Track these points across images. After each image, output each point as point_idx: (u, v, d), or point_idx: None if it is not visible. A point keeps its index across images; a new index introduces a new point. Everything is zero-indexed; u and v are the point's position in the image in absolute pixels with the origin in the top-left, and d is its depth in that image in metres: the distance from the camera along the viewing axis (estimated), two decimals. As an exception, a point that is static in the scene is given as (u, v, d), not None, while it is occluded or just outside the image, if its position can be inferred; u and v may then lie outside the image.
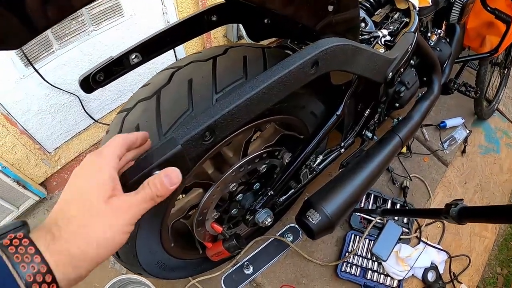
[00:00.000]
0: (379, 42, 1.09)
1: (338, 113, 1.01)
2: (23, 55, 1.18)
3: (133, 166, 0.52)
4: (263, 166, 1.04)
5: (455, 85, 1.57)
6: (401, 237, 1.54)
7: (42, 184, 1.57)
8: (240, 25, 1.21)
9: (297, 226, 1.54)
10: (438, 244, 1.61)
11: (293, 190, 1.13)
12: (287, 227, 1.54)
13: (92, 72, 0.75)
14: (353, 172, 1.04)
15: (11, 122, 1.32)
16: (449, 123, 1.90)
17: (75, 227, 0.40)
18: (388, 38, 1.10)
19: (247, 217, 1.06)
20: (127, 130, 0.74)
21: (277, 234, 1.51)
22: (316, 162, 1.11)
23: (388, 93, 1.24)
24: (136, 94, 0.81)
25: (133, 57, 0.78)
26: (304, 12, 0.72)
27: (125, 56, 0.76)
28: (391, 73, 1.02)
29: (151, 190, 0.45)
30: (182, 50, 1.66)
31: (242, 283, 1.42)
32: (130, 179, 0.50)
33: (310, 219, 0.94)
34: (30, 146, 1.42)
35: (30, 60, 1.20)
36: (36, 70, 1.23)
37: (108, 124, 1.60)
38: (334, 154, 1.19)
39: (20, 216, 1.58)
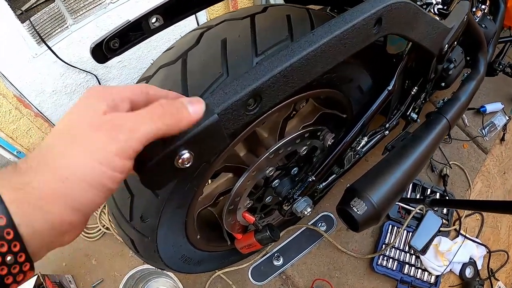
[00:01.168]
0: (432, 9, 0.96)
1: (389, 88, 0.89)
2: (35, 32, 1.09)
3: (154, 142, 0.34)
4: (304, 148, 0.93)
5: (501, 66, 1.43)
6: (441, 229, 1.42)
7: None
8: None
9: (330, 215, 1.45)
10: (477, 237, 1.49)
11: (335, 175, 1.02)
12: (320, 215, 1.43)
13: (106, 37, 0.64)
14: (400, 156, 0.92)
15: (25, 104, 1.24)
16: (489, 107, 1.75)
17: (48, 159, 0.29)
18: (440, 6, 0.97)
19: (284, 206, 0.95)
20: (207, 42, 0.64)
21: (309, 223, 1.41)
22: (361, 145, 0.98)
23: (437, 70, 1.11)
24: (158, 60, 0.70)
25: (153, 20, 0.68)
26: None
27: (144, 19, 0.66)
28: (447, 45, 0.90)
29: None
30: (205, 17, 1.51)
31: (271, 275, 1.33)
32: (149, 159, 0.35)
33: (355, 209, 0.83)
34: (46, 129, 1.34)
35: (43, 37, 1.11)
36: (49, 48, 1.14)
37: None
38: (378, 137, 1.07)
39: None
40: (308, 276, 1.35)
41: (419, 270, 1.37)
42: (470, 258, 1.40)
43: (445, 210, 1.49)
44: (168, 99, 0.35)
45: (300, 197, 0.95)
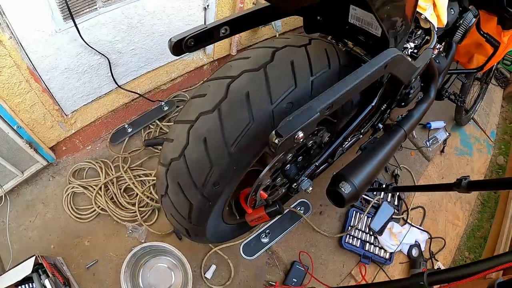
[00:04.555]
0: (407, 52, 1.28)
1: (373, 104, 1.16)
2: (65, 7, 1.12)
3: (280, 127, 0.64)
4: (311, 141, 1.15)
5: (447, 93, 1.83)
6: (393, 216, 1.77)
7: (51, 148, 1.49)
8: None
9: (307, 201, 1.70)
10: (420, 226, 1.87)
11: (327, 163, 1.27)
12: (298, 201, 1.68)
13: (187, 36, 0.82)
14: (371, 154, 1.19)
15: (35, 78, 1.24)
16: (434, 124, 2.18)
17: None
18: (412, 50, 1.30)
19: (293, 185, 1.17)
20: (234, 96, 0.80)
21: (291, 207, 1.64)
22: (347, 144, 1.26)
23: (402, 93, 1.44)
24: (237, 64, 0.86)
25: (223, 30, 0.90)
26: (391, 17, 0.85)
27: (216, 28, 0.88)
28: (413, 78, 1.22)
29: None
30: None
31: (259, 251, 1.52)
32: (279, 138, 0.63)
33: (343, 189, 1.07)
34: (49, 106, 1.35)
35: (73, 14, 1.15)
36: (75, 25, 1.18)
37: (132, 91, 1.57)
38: (355, 139, 1.36)
39: (24, 182, 1.48)
40: (289, 251, 1.57)
41: (377, 248, 1.69)
42: (415, 241, 1.76)
43: (396, 202, 1.84)
44: None
45: (305, 178, 1.18)
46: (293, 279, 1.50)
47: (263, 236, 1.55)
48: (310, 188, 1.18)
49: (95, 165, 1.55)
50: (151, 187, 1.53)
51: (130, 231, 1.45)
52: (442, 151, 2.13)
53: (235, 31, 0.91)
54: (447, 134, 2.15)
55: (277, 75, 0.81)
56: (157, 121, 1.72)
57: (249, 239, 1.54)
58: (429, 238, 1.81)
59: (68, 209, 1.46)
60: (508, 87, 2.62)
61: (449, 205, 1.95)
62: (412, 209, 1.88)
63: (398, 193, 1.86)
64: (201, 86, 0.89)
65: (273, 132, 0.64)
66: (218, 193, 0.87)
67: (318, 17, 1.09)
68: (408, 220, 1.83)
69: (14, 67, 1.15)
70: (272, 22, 1.73)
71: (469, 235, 1.93)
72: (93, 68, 1.38)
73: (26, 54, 1.18)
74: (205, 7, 1.51)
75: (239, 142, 0.79)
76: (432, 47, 1.29)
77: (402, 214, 1.84)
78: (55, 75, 1.30)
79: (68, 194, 1.48)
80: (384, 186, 1.80)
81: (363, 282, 1.59)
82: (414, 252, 1.75)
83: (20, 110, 1.28)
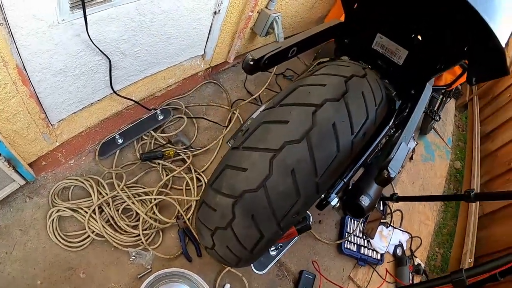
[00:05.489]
0: None
1: (390, 124, 1.23)
2: (76, -5, 0.94)
3: (391, 166, 0.72)
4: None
5: (427, 109, 2.03)
6: (381, 220, 1.89)
7: (30, 164, 1.24)
8: (276, 25, 1.69)
9: (308, 212, 1.71)
10: (400, 227, 2.04)
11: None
12: (302, 212, 1.68)
13: (267, 54, 0.80)
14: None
15: (24, 80, 1.02)
16: (404, 135, 2.41)
17: None
18: None
19: (323, 202, 1.17)
20: (322, 126, 0.78)
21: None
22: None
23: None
24: (316, 92, 0.83)
25: (291, 51, 0.94)
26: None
27: (288, 49, 0.92)
28: None
29: None
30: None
31: (269, 264, 1.49)
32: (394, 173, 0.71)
33: (363, 202, 1.14)
34: (35, 115, 1.12)
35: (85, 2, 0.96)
36: (85, 16, 0.97)
37: (127, 98, 1.39)
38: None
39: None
40: (296, 261, 1.57)
41: (370, 250, 1.79)
42: (399, 241, 1.91)
43: (382, 208, 1.97)
44: None
45: (334, 194, 1.19)
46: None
47: (272, 249, 1.52)
48: (338, 204, 1.20)
49: (83, 182, 1.33)
50: (154, 207, 1.37)
51: (134, 257, 1.28)
52: (411, 158, 2.36)
53: (300, 51, 0.92)
54: (416, 143, 2.39)
55: (355, 106, 0.82)
56: (151, 131, 1.55)
57: (259, 253, 1.49)
58: (409, 237, 1.98)
59: (55, 236, 1.22)
60: (460, 98, 3.02)
61: (420, 207, 2.17)
62: (393, 212, 2.03)
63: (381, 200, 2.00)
64: (274, 110, 0.84)
65: (388, 168, 0.71)
66: (294, 221, 0.83)
67: (346, 40, 1.17)
68: (392, 223, 1.98)
69: (0, 64, 0.92)
70: (276, 33, 1.72)
71: (437, 233, 2.17)
72: (91, 70, 1.18)
73: (17, 48, 0.94)
74: (215, 11, 1.41)
75: (325, 172, 0.78)
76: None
77: (386, 218, 1.98)
78: (47, 76, 1.08)
79: (53, 218, 1.24)
80: (389, 196, 1.91)
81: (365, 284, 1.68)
82: (399, 251, 1.90)
83: (1, 120, 1.03)
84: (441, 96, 2.13)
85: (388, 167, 0.70)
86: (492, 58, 0.81)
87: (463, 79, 1.88)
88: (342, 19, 1.22)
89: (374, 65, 1.22)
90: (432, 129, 2.60)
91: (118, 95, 1.34)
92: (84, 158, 1.43)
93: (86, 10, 0.98)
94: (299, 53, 0.95)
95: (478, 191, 2.16)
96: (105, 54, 1.16)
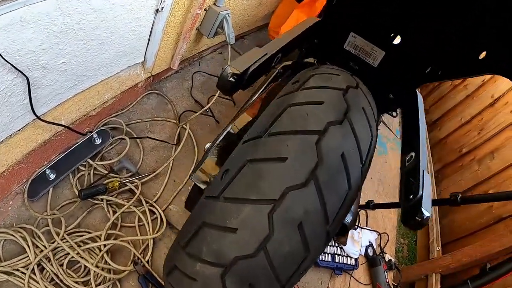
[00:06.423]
0: None
1: None
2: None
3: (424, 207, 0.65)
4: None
5: None
6: (350, 223, 1.85)
7: None
8: (226, 23, 1.55)
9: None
10: (366, 226, 2.03)
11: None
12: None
13: (251, 66, 0.65)
14: None
15: None
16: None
17: None
18: None
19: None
20: (330, 160, 0.61)
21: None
22: None
23: None
24: (314, 112, 0.66)
25: (278, 56, 0.81)
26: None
27: (275, 55, 0.78)
28: None
29: None
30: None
31: None
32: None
33: (346, 219, 1.09)
34: None
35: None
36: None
37: (55, 123, 1.09)
38: None
39: None
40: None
41: (345, 257, 1.73)
42: (369, 242, 1.89)
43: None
44: None
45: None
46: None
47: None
48: (351, 222, 1.12)
49: (13, 235, 1.02)
50: (105, 255, 1.10)
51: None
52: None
53: (284, 56, 0.79)
54: (370, 137, 2.42)
55: (360, 127, 0.67)
56: (89, 160, 1.26)
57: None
58: (378, 235, 1.98)
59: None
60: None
61: (381, 201, 2.19)
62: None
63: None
64: (262, 143, 0.65)
65: (422, 210, 0.63)
66: (300, 279, 0.66)
67: (315, 40, 1.08)
68: (359, 224, 1.95)
69: None
70: (226, 33, 1.53)
71: (400, 224, 2.21)
72: (4, 93, 0.88)
73: None
74: (157, 9, 1.18)
75: (337, 216, 0.62)
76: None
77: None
78: None
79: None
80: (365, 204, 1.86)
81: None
82: (370, 251, 1.88)
83: None
84: None
85: (422, 209, 0.58)
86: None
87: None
88: (291, 15, 1.12)
89: (345, 67, 1.14)
90: (381, 122, 2.67)
91: (43, 120, 1.05)
92: (11, 202, 1.11)
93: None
94: (282, 58, 0.82)
95: (434, 180, 2.27)
96: (20, 71, 0.87)
